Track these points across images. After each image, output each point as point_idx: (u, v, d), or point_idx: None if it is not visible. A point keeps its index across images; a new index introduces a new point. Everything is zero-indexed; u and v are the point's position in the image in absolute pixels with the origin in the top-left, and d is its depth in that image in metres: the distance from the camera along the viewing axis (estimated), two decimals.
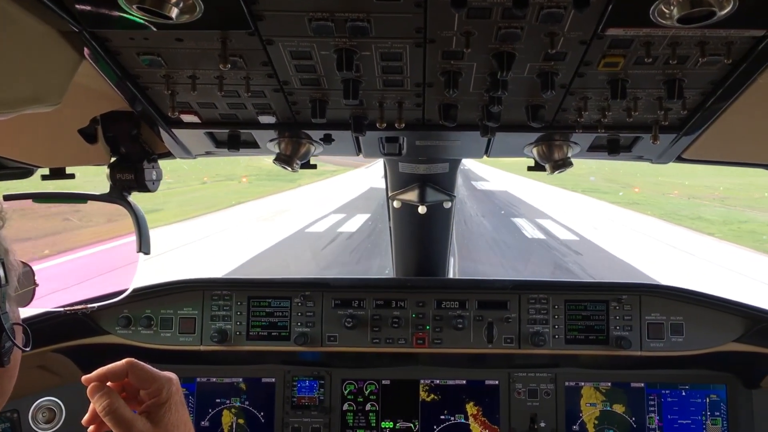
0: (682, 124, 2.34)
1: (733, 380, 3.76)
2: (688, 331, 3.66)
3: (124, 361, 2.04)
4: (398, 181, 3.58)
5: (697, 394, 3.79)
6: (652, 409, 3.77)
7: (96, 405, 1.93)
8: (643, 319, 3.67)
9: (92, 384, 1.97)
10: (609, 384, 3.79)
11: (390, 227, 4.11)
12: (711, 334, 3.65)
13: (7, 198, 2.39)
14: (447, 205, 3.63)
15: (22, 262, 1.70)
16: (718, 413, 3.76)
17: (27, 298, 1.86)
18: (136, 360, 2.05)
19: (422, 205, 3.50)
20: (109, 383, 2.01)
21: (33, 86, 1.68)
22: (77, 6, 1.62)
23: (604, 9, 1.62)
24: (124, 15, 1.62)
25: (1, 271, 1.53)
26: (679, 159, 2.69)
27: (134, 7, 1.56)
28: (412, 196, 3.52)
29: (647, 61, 1.83)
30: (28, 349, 1.70)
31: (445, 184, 3.54)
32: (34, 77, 1.68)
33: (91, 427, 2.01)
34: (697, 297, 3.70)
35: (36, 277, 1.90)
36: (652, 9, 1.57)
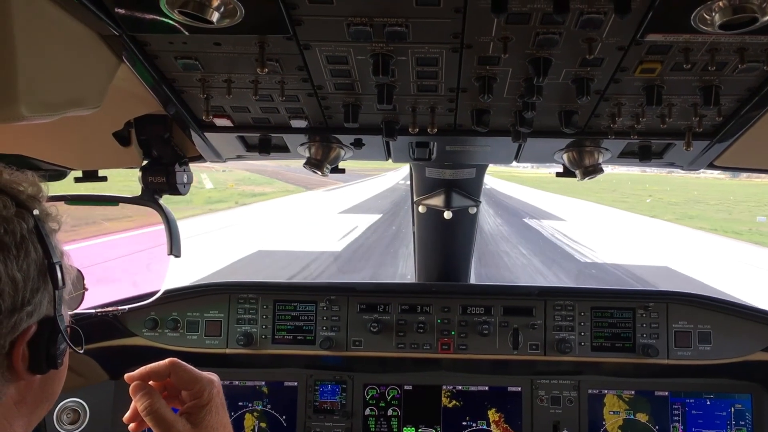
0: (716, 131, 2.33)
1: (758, 390, 3.72)
2: (716, 339, 3.62)
3: (167, 360, 2.06)
4: (424, 186, 3.58)
5: (722, 403, 3.74)
6: (676, 418, 3.73)
7: (137, 404, 1.95)
8: (671, 327, 3.64)
9: (134, 383, 2.00)
10: (633, 392, 3.75)
11: (413, 232, 4.12)
12: (739, 343, 3.61)
13: None
14: (472, 210, 3.64)
15: (72, 266, 1.72)
16: (743, 423, 3.71)
17: (77, 302, 1.88)
18: (179, 360, 2.06)
19: (448, 210, 3.50)
20: (151, 382, 2.03)
21: (75, 89, 1.69)
22: (118, 10, 1.64)
23: (644, 15, 1.62)
24: (165, 19, 1.64)
25: (58, 273, 1.55)
26: (711, 166, 2.68)
27: (176, 11, 1.58)
28: (437, 201, 3.53)
29: (685, 68, 1.83)
30: (81, 351, 1.72)
31: (471, 189, 3.54)
32: (76, 80, 1.70)
33: (132, 425, 2.03)
34: (724, 305, 3.67)
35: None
36: (693, 15, 1.57)
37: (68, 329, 1.66)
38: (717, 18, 1.53)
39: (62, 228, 1.65)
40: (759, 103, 2.06)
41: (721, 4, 1.51)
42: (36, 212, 1.53)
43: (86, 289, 1.94)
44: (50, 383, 1.66)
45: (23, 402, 1.57)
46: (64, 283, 1.58)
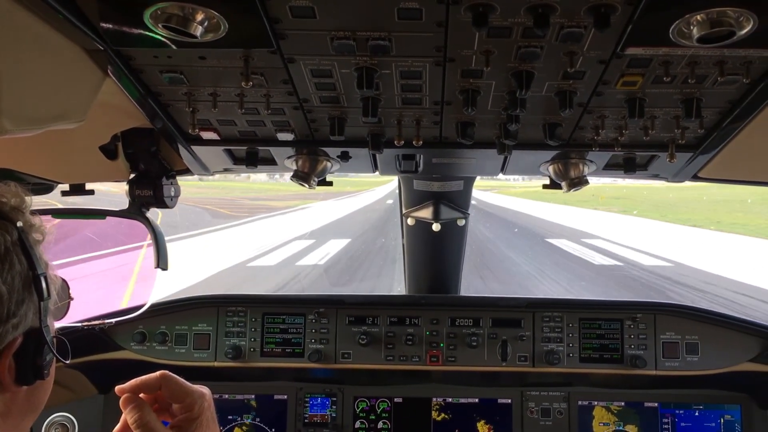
0: (699, 143, 2.35)
1: (747, 400, 3.73)
2: (704, 350, 3.63)
3: (158, 373, 2.02)
4: (412, 199, 3.59)
5: (712, 414, 3.74)
6: (666, 428, 3.72)
7: (127, 417, 1.92)
8: (658, 338, 3.65)
9: (125, 395, 1.97)
10: (622, 404, 3.75)
11: (403, 245, 4.12)
12: (726, 354, 3.62)
13: None
14: (461, 222, 3.65)
15: (57, 276, 1.72)
16: None
17: (62, 312, 1.88)
18: (170, 373, 2.03)
19: (436, 222, 3.51)
20: (141, 395, 2.01)
21: (59, 103, 1.70)
22: (102, 24, 1.65)
23: (623, 29, 1.64)
24: (149, 33, 1.65)
25: (43, 284, 1.55)
26: (695, 178, 2.70)
27: (160, 25, 1.59)
28: (426, 213, 3.53)
29: (665, 80, 1.85)
30: (68, 361, 1.72)
31: (459, 201, 3.55)
32: (60, 94, 1.70)
33: None
34: (712, 316, 3.67)
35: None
36: (672, 29, 1.59)
37: (54, 340, 1.66)
38: (695, 31, 1.56)
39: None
40: (740, 115, 2.08)
41: (698, 17, 1.53)
42: (19, 224, 1.53)
43: (71, 299, 1.93)
44: (36, 394, 1.65)
45: (9, 414, 1.56)
46: (49, 294, 1.59)
